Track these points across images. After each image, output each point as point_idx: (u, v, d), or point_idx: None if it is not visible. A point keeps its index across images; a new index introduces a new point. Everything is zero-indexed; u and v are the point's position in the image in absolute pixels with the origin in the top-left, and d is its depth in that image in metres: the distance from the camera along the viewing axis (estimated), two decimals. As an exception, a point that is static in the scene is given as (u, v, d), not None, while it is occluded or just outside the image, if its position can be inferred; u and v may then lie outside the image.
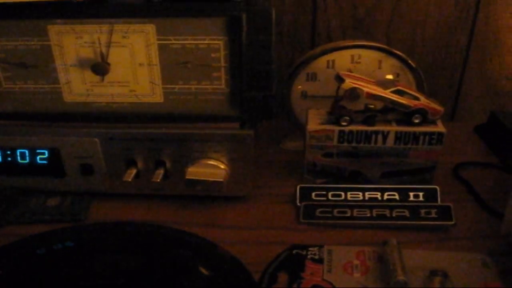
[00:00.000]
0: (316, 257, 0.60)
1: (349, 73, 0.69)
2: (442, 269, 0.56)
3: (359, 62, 0.75)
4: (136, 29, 0.61)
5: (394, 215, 0.66)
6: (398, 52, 0.74)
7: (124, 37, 0.61)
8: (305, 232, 0.65)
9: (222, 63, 0.62)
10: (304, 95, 0.78)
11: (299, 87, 0.77)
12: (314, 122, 0.69)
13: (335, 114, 0.68)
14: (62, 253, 0.59)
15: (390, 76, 0.76)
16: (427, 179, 0.71)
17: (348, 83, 0.65)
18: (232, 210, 0.69)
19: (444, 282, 0.54)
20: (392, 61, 0.75)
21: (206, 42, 0.61)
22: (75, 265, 0.58)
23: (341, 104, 0.68)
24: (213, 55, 0.62)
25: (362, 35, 0.92)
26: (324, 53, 0.74)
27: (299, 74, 0.76)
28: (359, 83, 0.66)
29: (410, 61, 0.74)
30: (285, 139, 0.84)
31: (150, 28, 0.61)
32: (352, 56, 0.75)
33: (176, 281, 0.55)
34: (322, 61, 0.75)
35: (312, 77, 0.76)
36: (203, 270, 0.56)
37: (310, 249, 0.61)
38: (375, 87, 0.66)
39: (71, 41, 0.62)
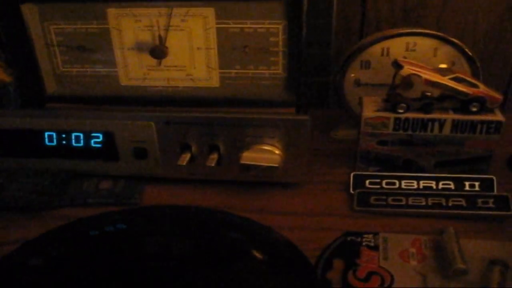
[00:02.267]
0: (372, 244, 0.59)
1: (407, 59, 0.68)
2: (501, 259, 0.54)
3: (414, 50, 0.74)
4: (195, 13, 0.60)
5: (450, 204, 0.64)
6: (454, 40, 0.73)
7: (182, 20, 0.61)
8: (358, 219, 0.64)
9: (281, 48, 0.62)
10: (357, 83, 0.77)
11: (352, 75, 0.76)
12: (370, 109, 0.68)
13: (391, 101, 0.67)
14: (114, 235, 0.60)
15: (444, 65, 0.74)
16: (482, 169, 0.70)
17: (407, 69, 0.64)
18: (285, 196, 0.69)
19: (504, 273, 0.53)
20: (448, 49, 0.73)
21: (265, 26, 0.61)
22: (127, 247, 0.58)
23: (397, 91, 0.67)
24: (271, 39, 0.61)
25: (412, 24, 0.90)
26: (379, 40, 0.73)
27: (353, 61, 0.75)
28: (417, 69, 0.65)
29: (466, 49, 0.72)
30: (336, 128, 0.84)
31: (209, 12, 0.60)
32: (407, 44, 0.73)
33: (228, 264, 0.55)
34: (377, 48, 0.74)
35: (366, 65, 0.75)
36: (257, 254, 0.56)
37: (365, 236, 0.60)
38: (433, 74, 0.65)
39: (129, 25, 0.62)
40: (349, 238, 0.60)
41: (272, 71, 0.63)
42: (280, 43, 0.61)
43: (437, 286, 0.53)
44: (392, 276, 0.54)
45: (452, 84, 0.65)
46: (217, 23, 0.61)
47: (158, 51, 0.62)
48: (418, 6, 0.89)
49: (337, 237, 0.61)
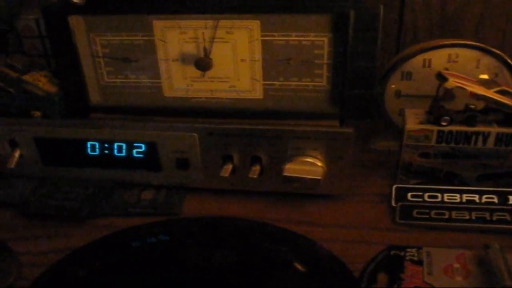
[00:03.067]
0: (415, 258, 0.58)
1: (451, 71, 0.67)
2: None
3: (456, 61, 0.73)
4: (241, 25, 0.61)
5: (494, 218, 0.64)
6: (496, 51, 0.72)
7: (228, 32, 0.61)
8: (401, 232, 0.64)
9: (325, 60, 0.62)
10: (397, 94, 0.76)
11: (393, 86, 0.76)
12: (413, 122, 0.67)
13: (435, 114, 0.66)
14: (156, 247, 0.60)
15: (485, 76, 0.73)
16: (525, 183, 0.69)
17: (452, 82, 0.64)
18: (326, 208, 0.68)
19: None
20: (490, 60, 0.73)
21: (310, 38, 0.61)
22: (169, 258, 0.58)
23: (440, 104, 0.66)
24: (316, 51, 0.61)
25: (450, 33, 0.89)
26: (421, 51, 0.72)
27: (394, 72, 0.74)
28: (462, 82, 0.64)
29: (509, 60, 0.72)
30: (376, 139, 0.83)
31: (254, 24, 0.61)
32: (449, 55, 0.73)
33: (271, 276, 0.55)
34: (418, 59, 0.73)
35: (407, 76, 0.75)
36: (299, 266, 0.56)
37: (408, 250, 0.60)
38: (478, 87, 0.65)
39: (174, 36, 0.63)
40: (392, 252, 0.60)
41: (315, 83, 0.63)
42: (325, 55, 0.61)
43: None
44: (437, 292, 0.53)
45: (498, 97, 0.65)
46: (262, 36, 0.61)
47: (203, 63, 0.62)
48: (456, 15, 0.89)
49: (381, 250, 0.60)
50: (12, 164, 0.69)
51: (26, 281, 0.56)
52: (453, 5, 0.87)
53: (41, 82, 0.69)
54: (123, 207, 0.68)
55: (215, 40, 0.62)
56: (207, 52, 0.62)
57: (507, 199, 0.67)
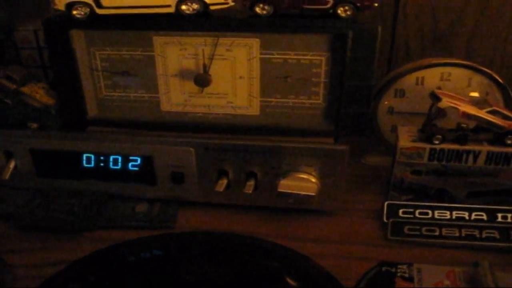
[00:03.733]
0: (406, 275, 0.59)
1: (444, 91, 0.68)
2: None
3: (449, 80, 0.74)
4: (240, 43, 0.61)
5: (483, 236, 0.65)
6: (487, 70, 0.74)
7: (227, 50, 0.62)
8: (392, 248, 0.65)
9: (322, 78, 0.63)
10: (390, 111, 0.77)
11: (386, 102, 0.77)
12: (406, 139, 0.68)
13: (427, 132, 0.68)
14: (150, 261, 0.60)
15: (475, 94, 0.75)
16: (514, 201, 0.70)
17: (445, 102, 0.65)
18: (319, 223, 0.69)
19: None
20: (481, 78, 0.74)
21: (308, 57, 0.62)
22: (163, 273, 0.58)
23: (433, 122, 0.67)
24: (314, 70, 0.62)
25: (441, 50, 0.91)
26: (414, 70, 0.74)
27: (387, 90, 0.75)
28: (455, 102, 0.66)
29: (498, 78, 0.73)
30: (368, 154, 0.84)
31: (254, 42, 0.61)
32: (442, 74, 0.74)
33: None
34: (412, 77, 0.75)
35: (400, 93, 0.76)
36: (292, 282, 0.56)
37: (399, 266, 0.61)
38: (470, 107, 0.66)
39: (174, 52, 0.63)
40: (384, 269, 0.61)
41: (312, 101, 0.64)
42: (322, 74, 0.62)
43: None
44: (429, 309, 0.54)
45: (489, 117, 0.66)
46: (261, 53, 0.62)
47: (202, 79, 0.63)
48: (447, 32, 0.90)
49: (372, 267, 0.61)
50: (7, 175, 0.69)
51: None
52: (444, 23, 0.89)
53: (38, 94, 0.69)
54: (118, 220, 0.69)
55: (215, 57, 0.62)
56: (206, 69, 0.63)
57: (496, 217, 0.68)
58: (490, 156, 0.67)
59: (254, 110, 0.65)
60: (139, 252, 0.61)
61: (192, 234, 0.66)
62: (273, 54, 0.62)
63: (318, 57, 0.61)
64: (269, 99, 0.64)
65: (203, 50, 0.62)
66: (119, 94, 0.67)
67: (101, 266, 0.59)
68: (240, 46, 0.61)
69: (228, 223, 0.69)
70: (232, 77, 0.63)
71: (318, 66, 0.62)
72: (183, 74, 0.64)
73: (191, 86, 0.64)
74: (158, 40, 0.63)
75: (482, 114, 0.66)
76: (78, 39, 0.64)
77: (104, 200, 0.71)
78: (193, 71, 0.63)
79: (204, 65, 0.62)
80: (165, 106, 0.67)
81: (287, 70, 0.62)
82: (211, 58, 0.62)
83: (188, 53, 0.63)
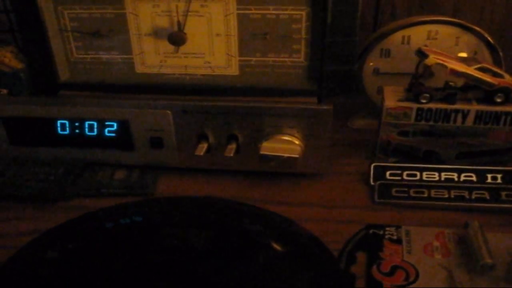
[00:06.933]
0: (394, 237, 0.58)
1: (431, 48, 0.66)
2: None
3: (436, 38, 0.72)
4: (216, -2, 0.58)
5: (473, 197, 0.63)
6: (476, 28, 0.71)
7: (202, 6, 0.59)
8: (379, 211, 0.63)
9: (303, 35, 0.60)
10: (376, 71, 0.75)
11: (371, 63, 0.74)
12: (392, 99, 0.66)
13: (414, 91, 0.65)
14: (130, 228, 0.58)
15: (464, 54, 0.72)
16: (504, 161, 0.68)
17: (432, 58, 0.63)
18: (304, 187, 0.67)
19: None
20: (469, 37, 0.72)
21: (287, 12, 0.59)
22: (143, 240, 0.56)
23: (420, 81, 0.65)
24: (294, 26, 0.60)
25: (428, 12, 0.88)
26: (400, 28, 0.71)
27: (372, 50, 0.73)
28: (442, 58, 0.63)
29: (488, 38, 0.71)
30: (354, 117, 0.82)
31: (230, -3, 0.58)
32: (429, 32, 0.72)
33: (248, 257, 0.53)
34: (397, 36, 0.72)
35: (386, 53, 0.74)
36: (278, 246, 0.55)
37: (387, 229, 0.59)
38: (459, 64, 0.64)
39: (147, 10, 0.61)
40: (371, 231, 0.59)
41: (293, 59, 0.61)
42: (303, 30, 0.59)
43: (463, 281, 0.51)
44: (416, 271, 0.53)
45: (478, 74, 0.64)
46: (238, 9, 0.59)
47: (176, 37, 0.60)
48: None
49: (359, 230, 0.59)
50: (-22, 144, 0.66)
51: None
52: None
53: (7, 58, 0.67)
54: (95, 188, 0.67)
55: (189, 13, 0.59)
56: (180, 26, 0.60)
57: (486, 178, 0.66)
58: (479, 115, 0.65)
59: (233, 69, 0.63)
60: (118, 218, 0.59)
61: (173, 199, 0.64)
62: (250, 10, 0.59)
63: (298, 12, 0.59)
64: (249, 58, 0.62)
65: (176, 6, 0.59)
66: (91, 56, 0.64)
67: (79, 233, 0.58)
68: (215, 1, 0.59)
69: (210, 189, 0.67)
70: (209, 35, 0.61)
71: (298, 21, 0.59)
72: (157, 33, 0.61)
73: (166, 45, 0.61)
74: (130, -3, 0.59)
75: (471, 71, 0.64)
76: (44, -3, 0.61)
77: (80, 168, 0.68)
78: (167, 30, 0.61)
79: (179, 23, 0.60)
80: (139, 68, 0.64)
81: (266, 26, 0.60)
82: (185, 15, 0.59)
83: (161, 10, 0.60)
